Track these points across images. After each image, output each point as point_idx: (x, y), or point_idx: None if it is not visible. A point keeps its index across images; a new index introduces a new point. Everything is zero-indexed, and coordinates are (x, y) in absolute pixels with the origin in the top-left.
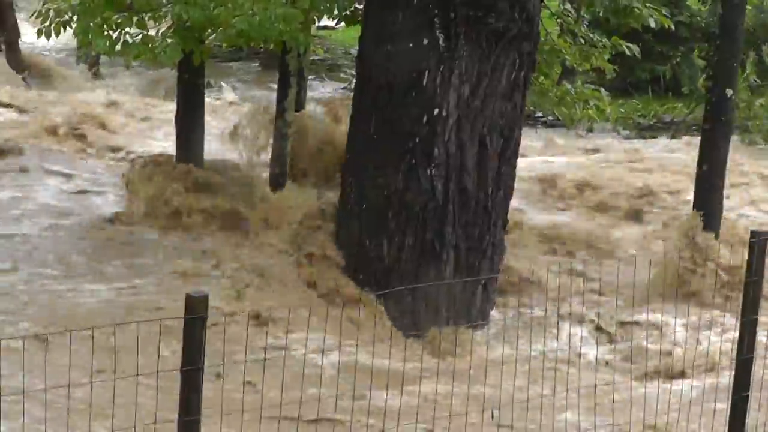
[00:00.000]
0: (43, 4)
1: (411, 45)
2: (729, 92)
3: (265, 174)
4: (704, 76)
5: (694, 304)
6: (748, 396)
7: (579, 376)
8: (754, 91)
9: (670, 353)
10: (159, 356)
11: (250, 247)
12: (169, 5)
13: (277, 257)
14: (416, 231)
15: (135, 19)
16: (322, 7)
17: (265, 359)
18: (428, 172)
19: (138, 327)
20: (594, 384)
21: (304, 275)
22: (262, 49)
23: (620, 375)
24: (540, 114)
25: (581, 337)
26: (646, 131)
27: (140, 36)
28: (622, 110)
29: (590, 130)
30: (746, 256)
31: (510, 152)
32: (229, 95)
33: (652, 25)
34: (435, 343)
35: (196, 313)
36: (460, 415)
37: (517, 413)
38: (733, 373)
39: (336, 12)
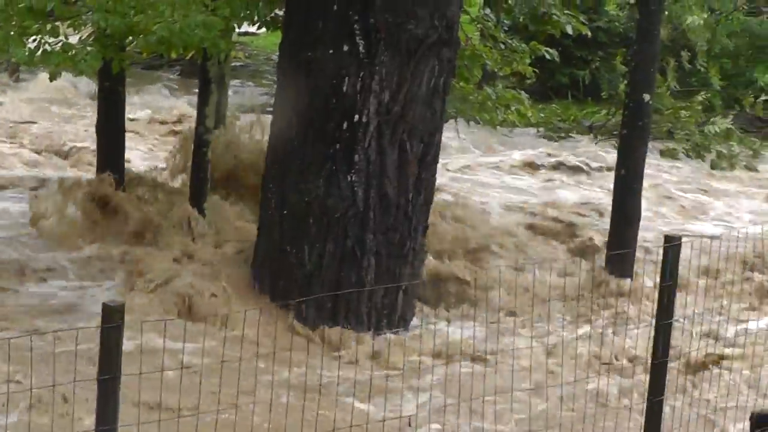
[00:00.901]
0: None
1: (331, 51)
2: (646, 97)
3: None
4: (625, 81)
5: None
6: (662, 400)
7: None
8: (675, 98)
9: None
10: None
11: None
12: (89, 13)
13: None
14: (337, 237)
15: (49, 26)
16: (242, 14)
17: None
18: (349, 178)
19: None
20: None
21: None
22: (182, 57)
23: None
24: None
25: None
26: (566, 134)
27: (60, 44)
28: (542, 114)
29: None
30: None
31: (430, 158)
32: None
33: (569, 32)
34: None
35: (112, 322)
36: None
37: None
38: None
39: (256, 18)
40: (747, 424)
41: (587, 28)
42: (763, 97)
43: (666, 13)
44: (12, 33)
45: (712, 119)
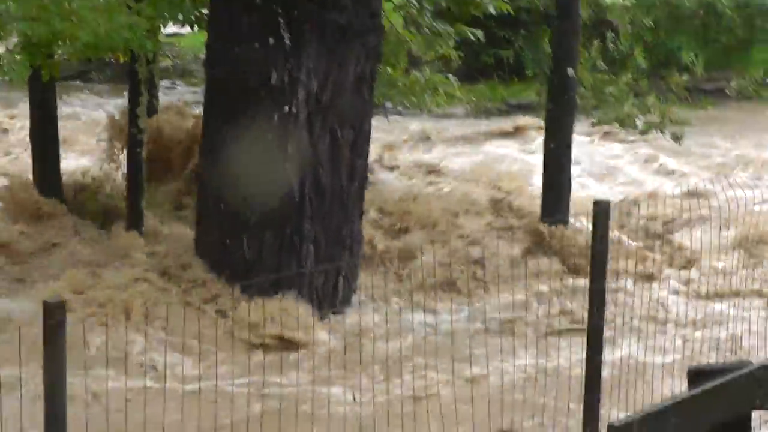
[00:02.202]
0: None
1: (257, 45)
2: (570, 71)
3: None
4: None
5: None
6: (601, 360)
7: None
8: (600, 76)
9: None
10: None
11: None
12: (15, 23)
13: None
14: (274, 227)
15: None
16: (166, 14)
17: None
18: (283, 168)
19: None
20: None
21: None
22: (111, 60)
23: None
24: (389, 104)
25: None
26: (496, 114)
27: None
28: (472, 97)
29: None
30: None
31: (361, 144)
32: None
33: (492, 11)
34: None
35: (54, 318)
36: None
37: None
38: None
39: (181, 17)
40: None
41: (509, 7)
42: (686, 76)
43: None
44: None
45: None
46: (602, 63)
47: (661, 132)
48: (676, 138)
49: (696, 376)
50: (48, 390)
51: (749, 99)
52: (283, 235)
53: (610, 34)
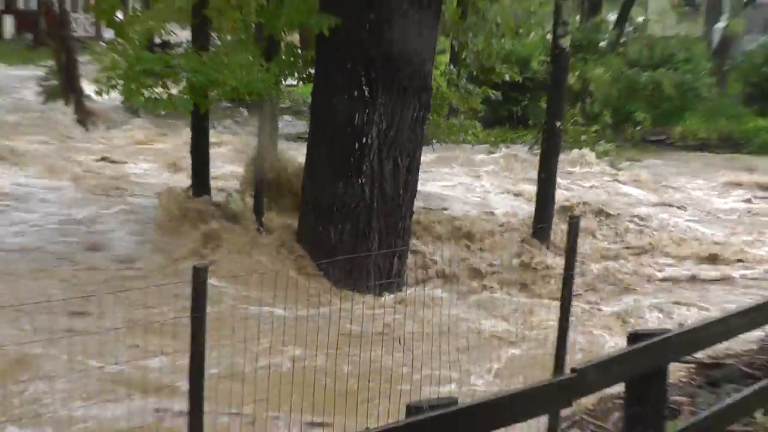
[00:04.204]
0: (100, 73)
1: (346, 96)
2: (558, 124)
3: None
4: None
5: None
6: (567, 326)
7: None
8: (580, 128)
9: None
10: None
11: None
12: (184, 73)
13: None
14: (352, 221)
15: (160, 83)
16: (287, 72)
17: None
18: (360, 181)
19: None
20: None
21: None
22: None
23: None
24: (435, 141)
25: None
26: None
27: (165, 94)
28: (492, 138)
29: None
30: None
31: (413, 166)
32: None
33: (507, 79)
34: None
35: (200, 278)
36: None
37: None
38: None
39: (296, 75)
40: None
41: (520, 76)
42: (638, 128)
43: (577, 72)
44: (132, 87)
45: (600, 142)
46: (580, 119)
47: (611, 165)
48: (614, 166)
49: (634, 337)
50: (193, 327)
51: (685, 149)
52: (358, 227)
53: (589, 100)
